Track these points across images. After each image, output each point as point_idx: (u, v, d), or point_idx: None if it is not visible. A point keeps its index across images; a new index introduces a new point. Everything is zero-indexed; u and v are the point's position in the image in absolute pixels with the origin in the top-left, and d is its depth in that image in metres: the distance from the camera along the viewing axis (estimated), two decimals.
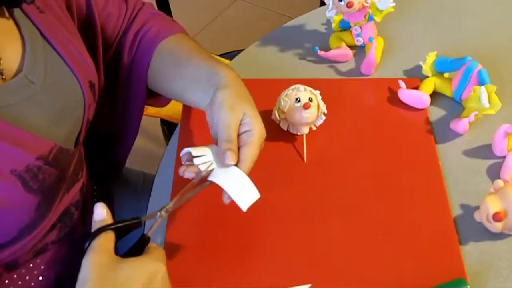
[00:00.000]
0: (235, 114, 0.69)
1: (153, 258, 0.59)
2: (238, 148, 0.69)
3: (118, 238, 0.60)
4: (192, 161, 0.70)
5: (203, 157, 0.69)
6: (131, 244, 0.62)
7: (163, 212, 0.66)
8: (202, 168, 0.69)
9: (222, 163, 0.68)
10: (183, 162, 0.72)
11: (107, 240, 0.59)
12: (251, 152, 0.69)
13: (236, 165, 0.68)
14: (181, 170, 0.70)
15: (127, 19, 0.86)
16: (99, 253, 0.57)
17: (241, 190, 0.67)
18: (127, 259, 0.58)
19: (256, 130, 0.70)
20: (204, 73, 0.77)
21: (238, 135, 0.70)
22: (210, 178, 0.69)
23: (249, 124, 0.70)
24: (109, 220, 0.61)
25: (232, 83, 0.73)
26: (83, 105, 0.74)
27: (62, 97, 0.71)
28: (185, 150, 0.71)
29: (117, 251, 0.60)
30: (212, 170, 0.69)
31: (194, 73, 0.78)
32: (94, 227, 0.60)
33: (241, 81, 0.75)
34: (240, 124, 0.70)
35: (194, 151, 0.70)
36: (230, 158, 0.67)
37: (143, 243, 0.62)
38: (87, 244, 0.58)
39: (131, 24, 0.86)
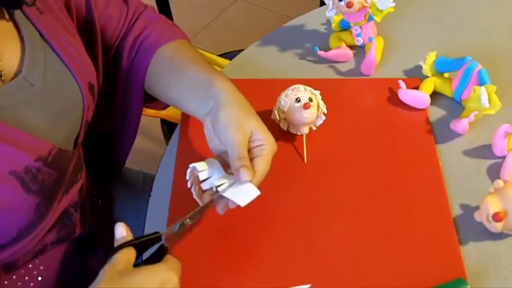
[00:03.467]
0: (243, 133, 0.70)
1: (167, 267, 0.60)
2: (250, 161, 0.69)
3: (139, 253, 0.62)
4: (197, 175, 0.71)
5: (209, 178, 0.70)
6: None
7: (182, 225, 0.67)
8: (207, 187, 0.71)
9: (236, 179, 0.68)
10: (188, 178, 0.72)
11: (127, 254, 0.60)
12: (262, 165, 0.69)
13: None
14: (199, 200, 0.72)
15: (128, 23, 0.86)
16: (117, 263, 0.59)
17: (242, 192, 0.68)
18: (142, 267, 0.60)
19: (268, 144, 0.70)
20: (201, 83, 0.76)
21: (249, 150, 0.70)
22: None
23: (261, 140, 0.70)
24: (129, 237, 0.63)
25: (232, 98, 0.73)
26: (81, 107, 0.74)
27: (61, 98, 0.71)
28: (191, 166, 0.71)
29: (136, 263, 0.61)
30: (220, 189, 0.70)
31: (191, 82, 0.78)
32: (116, 245, 0.62)
33: (238, 92, 0.74)
34: (250, 141, 0.71)
35: (200, 172, 0.70)
36: (246, 174, 0.67)
37: (161, 253, 0.63)
38: (108, 259, 0.60)
39: (131, 28, 0.85)
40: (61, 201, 0.72)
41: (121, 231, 0.63)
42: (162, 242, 0.64)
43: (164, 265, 0.61)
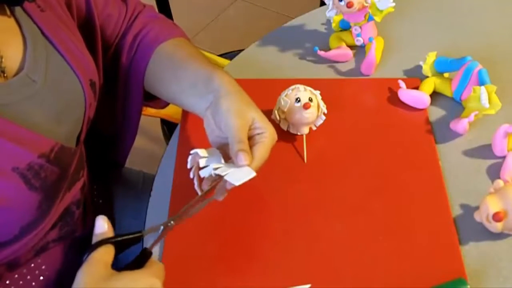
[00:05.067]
0: (244, 119, 0.70)
1: (149, 273, 0.59)
2: (250, 148, 0.69)
3: (118, 251, 0.60)
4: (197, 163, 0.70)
5: (209, 166, 0.70)
6: (133, 257, 0.62)
7: (166, 227, 0.65)
8: (206, 174, 0.70)
9: (235, 163, 0.68)
10: (189, 165, 0.71)
11: (105, 253, 0.58)
12: (261, 151, 0.69)
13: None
14: (198, 189, 0.72)
15: (127, 21, 0.86)
16: (95, 265, 0.57)
17: (238, 173, 0.67)
18: (123, 272, 0.57)
19: (268, 132, 0.71)
20: (201, 78, 0.77)
21: (250, 137, 0.71)
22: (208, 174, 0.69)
23: (261, 128, 0.71)
24: (110, 233, 0.61)
25: (232, 89, 0.73)
26: (84, 104, 0.74)
27: (63, 95, 0.71)
28: (193, 152, 0.70)
29: (118, 265, 0.59)
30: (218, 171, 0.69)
31: (191, 78, 0.78)
32: (94, 240, 0.60)
33: (239, 86, 0.75)
34: (251, 129, 0.71)
35: (201, 159, 0.70)
36: (243, 158, 0.67)
37: (144, 257, 0.61)
38: (85, 256, 0.58)
39: (130, 26, 0.86)
40: (64, 198, 0.72)
41: (102, 225, 0.61)
42: (144, 244, 0.62)
43: (145, 271, 0.59)
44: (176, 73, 0.80)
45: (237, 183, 0.67)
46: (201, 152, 0.70)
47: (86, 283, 0.55)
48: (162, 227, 0.65)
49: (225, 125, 0.70)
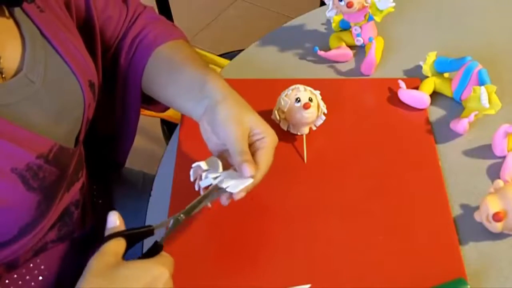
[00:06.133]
0: (242, 127, 0.69)
1: (158, 263, 0.59)
2: (252, 155, 0.69)
3: (130, 245, 0.61)
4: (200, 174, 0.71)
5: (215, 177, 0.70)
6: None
7: (176, 220, 0.66)
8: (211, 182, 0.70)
9: (238, 175, 0.68)
10: (192, 179, 0.72)
11: (116, 245, 0.59)
12: (265, 156, 0.69)
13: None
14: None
15: (127, 23, 0.86)
16: (105, 253, 0.58)
17: (235, 181, 0.68)
18: (132, 261, 0.59)
19: (269, 137, 0.70)
20: (196, 82, 0.76)
21: (251, 144, 0.70)
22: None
23: (261, 133, 0.70)
24: (121, 227, 0.62)
25: (227, 93, 0.73)
26: (83, 104, 0.74)
27: (62, 96, 0.71)
28: (194, 165, 0.71)
29: (129, 259, 0.60)
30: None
31: (187, 82, 0.78)
32: (106, 234, 0.61)
33: (232, 89, 0.74)
34: (250, 136, 0.70)
35: (203, 172, 0.70)
36: (249, 170, 0.67)
37: (155, 250, 0.62)
38: (98, 249, 0.59)
39: (130, 28, 0.86)
40: (62, 199, 0.72)
41: (114, 221, 0.62)
42: (156, 237, 0.63)
43: (154, 260, 0.60)
44: (172, 76, 0.80)
45: (233, 191, 0.67)
46: (203, 164, 0.70)
47: (95, 269, 0.56)
48: (172, 221, 0.65)
49: (224, 135, 0.69)
